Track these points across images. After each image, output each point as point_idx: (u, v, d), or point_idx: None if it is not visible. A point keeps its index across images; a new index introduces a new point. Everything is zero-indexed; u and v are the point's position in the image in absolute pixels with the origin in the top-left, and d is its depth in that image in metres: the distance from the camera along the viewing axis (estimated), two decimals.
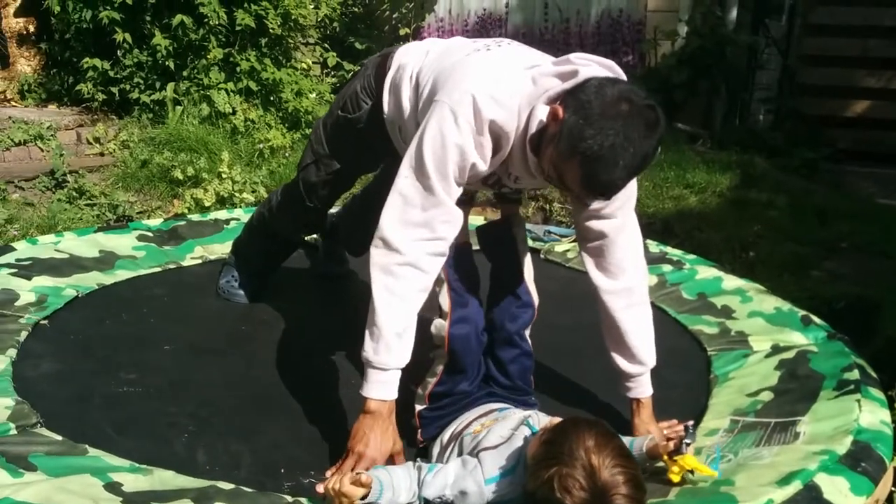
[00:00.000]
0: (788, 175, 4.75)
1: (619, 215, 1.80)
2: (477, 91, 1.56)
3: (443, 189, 1.59)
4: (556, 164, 1.56)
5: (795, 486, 1.51)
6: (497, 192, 1.95)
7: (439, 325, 1.79)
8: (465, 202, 1.89)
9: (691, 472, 1.60)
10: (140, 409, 1.94)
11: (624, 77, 1.60)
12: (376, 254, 1.62)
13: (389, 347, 1.60)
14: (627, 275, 1.84)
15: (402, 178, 1.62)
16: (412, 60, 1.88)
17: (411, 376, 1.76)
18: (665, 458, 1.61)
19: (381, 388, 1.62)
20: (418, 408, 1.82)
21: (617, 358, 1.89)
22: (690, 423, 1.67)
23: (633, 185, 1.78)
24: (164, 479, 1.61)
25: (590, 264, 1.86)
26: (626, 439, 1.68)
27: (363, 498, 1.48)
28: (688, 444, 1.60)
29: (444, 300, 1.80)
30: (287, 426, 1.91)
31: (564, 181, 1.57)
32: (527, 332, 1.91)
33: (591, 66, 1.59)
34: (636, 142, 1.47)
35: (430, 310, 1.78)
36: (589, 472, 1.32)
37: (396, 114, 1.92)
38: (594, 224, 1.81)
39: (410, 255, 1.60)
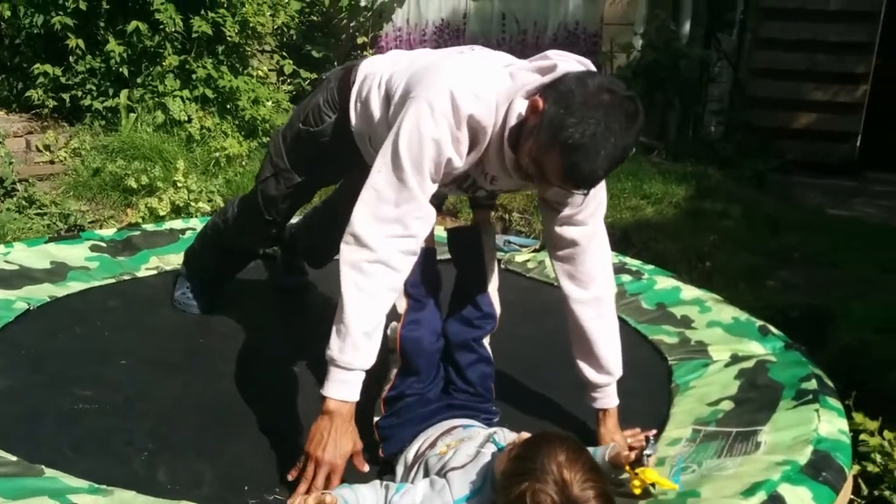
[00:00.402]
0: (740, 186, 4.85)
1: (591, 222, 1.81)
2: (455, 86, 1.54)
3: (417, 184, 1.57)
4: (535, 157, 1.54)
5: (760, 497, 1.52)
6: (472, 196, 1.94)
7: (394, 328, 1.77)
8: (435, 207, 1.86)
9: (652, 485, 1.61)
10: (97, 426, 1.88)
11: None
12: (347, 250, 1.58)
13: (357, 346, 1.55)
14: (597, 284, 1.84)
15: (376, 172, 1.59)
16: (379, 70, 1.85)
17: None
18: (627, 468, 1.62)
19: (343, 388, 1.57)
20: (376, 419, 1.79)
21: (584, 368, 1.88)
22: (652, 432, 1.69)
23: (602, 193, 1.80)
24: (125, 499, 1.56)
25: (560, 273, 1.86)
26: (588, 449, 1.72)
27: None
28: (648, 456, 1.62)
29: (401, 304, 1.78)
30: (249, 441, 1.87)
31: (544, 174, 1.55)
32: (485, 341, 1.90)
33: (569, 61, 1.59)
34: (617, 132, 1.46)
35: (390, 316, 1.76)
36: (561, 487, 1.31)
37: (365, 125, 1.89)
38: (566, 231, 1.81)
39: (382, 252, 1.56)
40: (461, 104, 1.54)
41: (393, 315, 1.78)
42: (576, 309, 1.85)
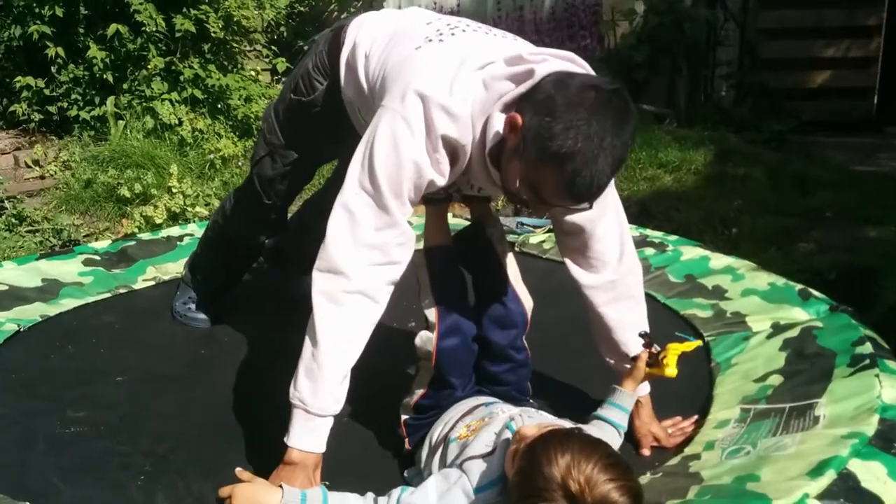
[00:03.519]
0: (760, 148, 4.70)
1: (595, 205, 1.60)
2: (428, 101, 1.40)
3: (397, 208, 1.44)
4: (526, 178, 1.38)
5: (829, 477, 1.38)
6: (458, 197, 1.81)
7: (425, 338, 1.66)
8: (442, 200, 1.76)
9: (681, 356, 1.63)
10: (90, 450, 1.78)
11: (586, 66, 1.46)
12: (320, 279, 1.46)
13: (332, 391, 1.45)
14: (610, 267, 1.71)
15: (350, 192, 1.45)
16: (366, 39, 1.71)
17: None
18: (650, 371, 1.64)
19: (311, 437, 1.46)
20: (404, 417, 1.71)
21: (606, 355, 1.79)
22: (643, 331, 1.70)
23: None
24: None
25: (568, 258, 1.73)
26: (611, 403, 1.67)
27: None
28: (653, 345, 1.65)
29: (430, 310, 1.66)
30: (255, 458, 1.73)
31: (541, 194, 1.39)
32: (521, 341, 1.76)
33: (549, 61, 1.42)
34: (611, 130, 1.31)
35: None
36: (573, 502, 1.16)
37: (355, 95, 1.75)
38: (569, 217, 1.65)
39: (361, 282, 1.44)
40: (436, 123, 1.40)
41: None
42: (588, 294, 1.73)
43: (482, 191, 1.62)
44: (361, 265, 1.44)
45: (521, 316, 1.74)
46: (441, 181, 1.47)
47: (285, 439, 1.47)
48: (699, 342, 1.64)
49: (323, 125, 1.91)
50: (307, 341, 1.46)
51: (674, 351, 1.62)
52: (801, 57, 6.08)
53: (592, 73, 1.47)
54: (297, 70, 1.95)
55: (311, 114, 1.90)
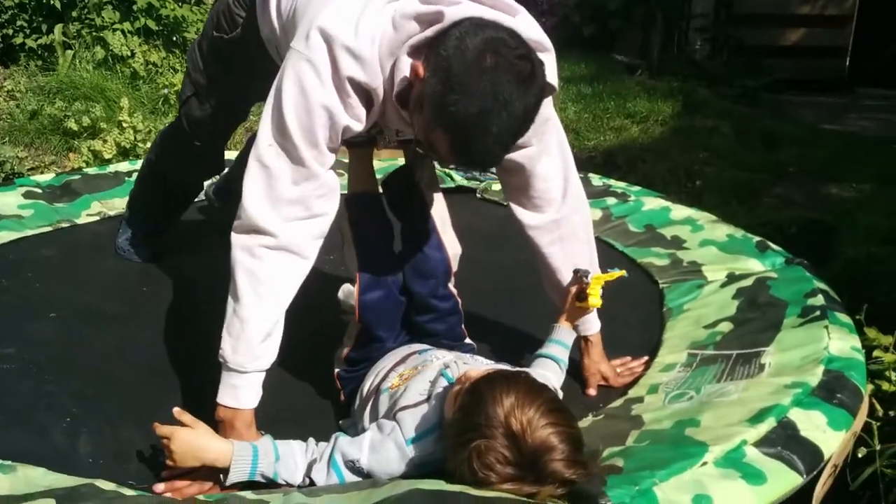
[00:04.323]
0: (731, 103, 4.66)
1: (536, 143, 1.57)
2: (332, 41, 1.32)
3: (314, 158, 1.37)
4: (424, 132, 1.34)
5: (769, 424, 1.37)
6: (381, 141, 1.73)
7: (347, 292, 1.63)
8: (365, 143, 1.68)
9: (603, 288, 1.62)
10: (13, 390, 1.68)
11: (508, 7, 1.36)
12: (241, 237, 1.39)
13: (251, 348, 1.40)
14: (553, 206, 1.66)
15: (263, 145, 1.38)
16: None
17: None
18: (579, 305, 1.63)
19: (234, 394, 1.41)
20: (337, 369, 1.68)
21: (553, 296, 1.74)
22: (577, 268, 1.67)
23: (548, 109, 1.54)
24: (31, 478, 1.33)
25: (511, 198, 1.67)
26: (550, 339, 1.65)
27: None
28: (587, 275, 1.62)
29: (351, 262, 1.62)
30: (193, 406, 1.59)
31: (437, 151, 1.36)
32: (445, 289, 1.70)
33: (461, 4, 1.32)
34: (508, 101, 1.24)
35: None
36: (512, 441, 1.14)
37: (271, 32, 1.64)
38: (508, 154, 1.56)
39: (284, 238, 1.38)
40: (341, 65, 1.32)
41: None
42: (531, 235, 1.68)
43: (402, 134, 1.53)
44: (283, 222, 1.38)
45: (441, 264, 1.68)
46: (358, 126, 1.39)
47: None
48: (623, 272, 1.62)
49: (247, 64, 1.80)
50: (230, 297, 1.40)
51: (596, 281, 1.61)
52: (777, 13, 6.03)
53: (516, 15, 1.37)
54: (218, 4, 1.83)
55: (235, 52, 1.80)
